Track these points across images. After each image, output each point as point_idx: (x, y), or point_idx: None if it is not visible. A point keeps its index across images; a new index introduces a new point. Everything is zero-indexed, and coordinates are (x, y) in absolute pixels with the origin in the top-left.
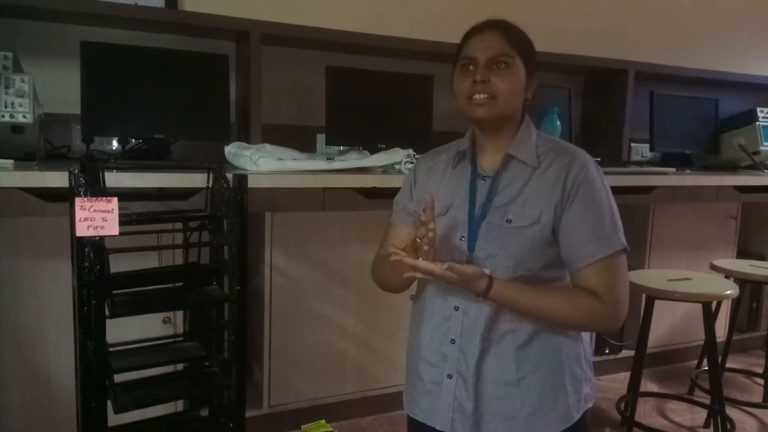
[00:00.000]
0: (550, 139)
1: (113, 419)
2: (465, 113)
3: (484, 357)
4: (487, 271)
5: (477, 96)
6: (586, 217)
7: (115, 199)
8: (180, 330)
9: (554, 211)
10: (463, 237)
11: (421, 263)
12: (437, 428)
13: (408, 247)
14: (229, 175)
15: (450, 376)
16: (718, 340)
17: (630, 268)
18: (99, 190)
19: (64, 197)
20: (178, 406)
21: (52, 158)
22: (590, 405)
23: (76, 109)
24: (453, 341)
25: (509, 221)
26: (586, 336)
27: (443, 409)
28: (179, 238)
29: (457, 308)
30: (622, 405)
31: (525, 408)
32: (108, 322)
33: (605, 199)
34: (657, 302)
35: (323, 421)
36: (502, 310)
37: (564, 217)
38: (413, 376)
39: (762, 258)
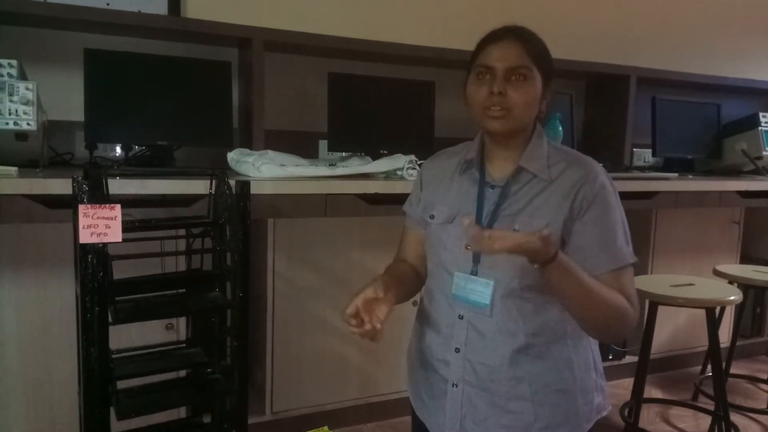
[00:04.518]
0: (561, 149)
1: (116, 426)
2: (478, 123)
3: (496, 370)
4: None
5: (493, 108)
6: (598, 233)
7: (118, 206)
8: (183, 336)
9: (563, 224)
10: (469, 245)
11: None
12: None
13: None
14: (232, 182)
15: (455, 385)
16: (722, 345)
17: (635, 272)
18: (102, 197)
19: (67, 204)
20: (181, 412)
21: (56, 165)
22: (603, 414)
23: (80, 116)
24: (457, 350)
25: (516, 231)
26: (594, 345)
27: (450, 418)
28: (182, 244)
29: (461, 317)
30: (626, 411)
31: (538, 422)
32: (111, 328)
33: (618, 216)
34: (660, 308)
35: (326, 428)
36: (511, 321)
37: (574, 231)
38: (417, 378)
39: (766, 263)
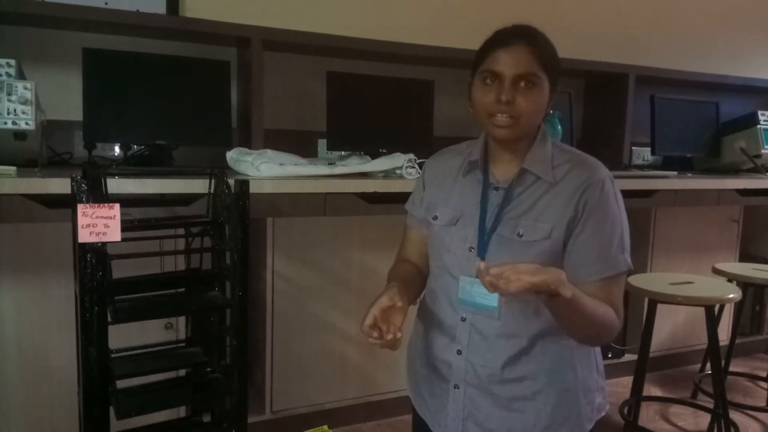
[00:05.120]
0: (566, 149)
1: (116, 425)
2: (484, 128)
3: (497, 371)
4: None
5: (500, 116)
6: (596, 239)
7: (117, 206)
8: (182, 336)
9: (566, 227)
10: (473, 248)
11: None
12: None
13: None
14: (231, 181)
15: (457, 387)
16: (721, 343)
17: (632, 272)
18: (101, 197)
19: (66, 204)
20: (181, 412)
21: (55, 165)
22: (603, 414)
23: (78, 116)
24: (459, 352)
25: (520, 235)
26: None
27: (453, 419)
28: (181, 243)
29: (464, 319)
30: (626, 409)
31: (540, 422)
32: (110, 328)
33: (618, 221)
34: (659, 306)
35: (325, 427)
36: (514, 323)
37: (573, 234)
38: (418, 377)
39: (765, 261)
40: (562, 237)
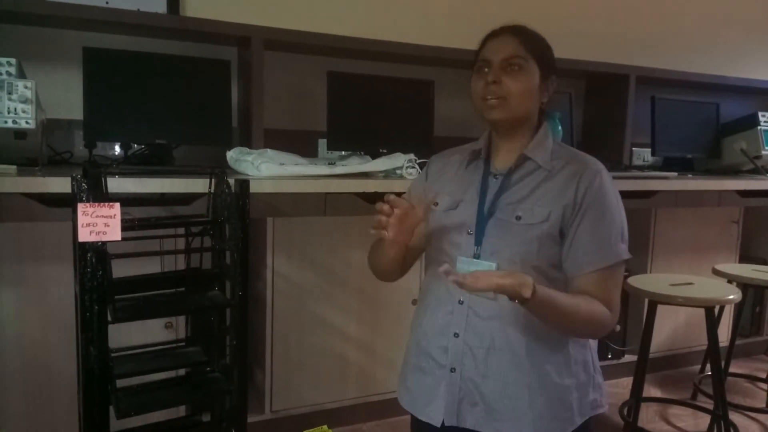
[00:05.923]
0: (566, 147)
1: (115, 424)
2: (480, 114)
3: (493, 355)
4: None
5: (489, 97)
6: (594, 230)
7: (117, 205)
8: (182, 335)
9: (563, 212)
10: (471, 231)
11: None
12: (441, 423)
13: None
14: (231, 180)
15: (453, 370)
16: (721, 344)
17: (632, 273)
18: (101, 196)
19: (66, 203)
20: (180, 411)
21: (55, 164)
22: (599, 411)
23: (79, 115)
24: (456, 335)
25: (518, 218)
26: (593, 343)
27: (448, 402)
28: (181, 243)
29: (461, 302)
30: (625, 410)
31: (531, 411)
32: (110, 327)
33: (616, 213)
34: (659, 307)
35: (325, 427)
36: (511, 304)
37: (572, 226)
38: (412, 367)
39: (764, 262)
40: (559, 221)
